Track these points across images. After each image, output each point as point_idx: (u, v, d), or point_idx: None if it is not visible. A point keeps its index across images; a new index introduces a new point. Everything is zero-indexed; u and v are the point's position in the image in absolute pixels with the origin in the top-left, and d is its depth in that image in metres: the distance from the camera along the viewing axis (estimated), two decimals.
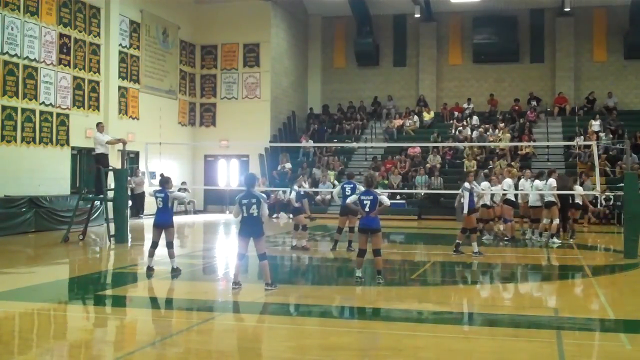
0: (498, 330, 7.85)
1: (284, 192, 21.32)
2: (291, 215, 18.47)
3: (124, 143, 17.09)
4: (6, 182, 18.63)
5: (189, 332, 7.63)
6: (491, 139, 26.76)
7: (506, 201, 16.77)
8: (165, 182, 11.76)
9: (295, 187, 15.17)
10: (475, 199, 14.40)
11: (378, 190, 11.04)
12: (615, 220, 21.29)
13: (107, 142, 16.62)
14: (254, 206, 9.71)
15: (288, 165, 26.97)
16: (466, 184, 14.08)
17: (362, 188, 13.54)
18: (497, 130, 27.81)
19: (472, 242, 13.81)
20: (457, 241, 14.04)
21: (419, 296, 10.15)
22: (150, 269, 11.31)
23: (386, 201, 10.51)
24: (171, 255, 11.30)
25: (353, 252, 13.36)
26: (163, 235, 11.37)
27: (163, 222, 11.37)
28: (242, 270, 10.26)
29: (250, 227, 9.82)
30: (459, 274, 12.53)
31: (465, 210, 13.77)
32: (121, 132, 21.55)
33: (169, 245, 11.33)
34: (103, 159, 16.67)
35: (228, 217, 24.03)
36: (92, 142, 18.56)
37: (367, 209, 10.32)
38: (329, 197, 24.75)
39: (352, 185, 14.43)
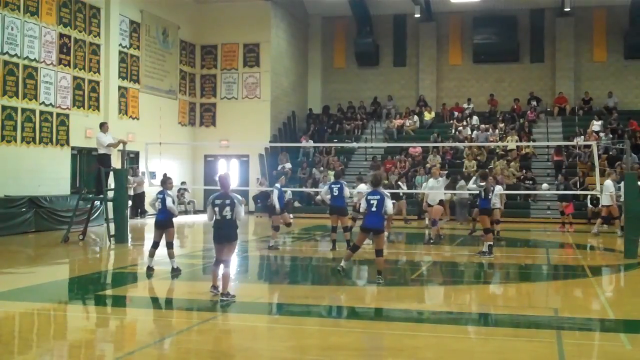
0: (498, 330, 7.85)
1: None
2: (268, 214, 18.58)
3: (124, 143, 17.08)
4: (6, 182, 18.62)
5: (189, 332, 7.63)
6: (491, 139, 26.75)
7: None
8: (163, 182, 11.83)
9: (277, 185, 15.12)
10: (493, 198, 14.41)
11: (386, 191, 11.01)
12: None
13: (108, 145, 16.58)
14: (227, 208, 9.12)
15: (288, 165, 26.94)
16: (480, 183, 14.07)
17: (348, 188, 13.83)
18: (497, 130, 27.82)
19: (486, 241, 13.81)
20: (489, 243, 13.65)
21: (419, 296, 10.15)
22: (150, 269, 11.32)
23: (389, 209, 10.54)
24: (171, 256, 11.31)
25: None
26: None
27: (163, 223, 11.39)
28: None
29: (224, 231, 9.20)
30: (459, 274, 12.54)
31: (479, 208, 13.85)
32: (121, 132, 21.53)
33: (169, 245, 11.34)
34: (106, 159, 16.64)
35: None
36: (92, 142, 18.57)
37: (373, 209, 10.33)
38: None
39: (339, 186, 14.44)
